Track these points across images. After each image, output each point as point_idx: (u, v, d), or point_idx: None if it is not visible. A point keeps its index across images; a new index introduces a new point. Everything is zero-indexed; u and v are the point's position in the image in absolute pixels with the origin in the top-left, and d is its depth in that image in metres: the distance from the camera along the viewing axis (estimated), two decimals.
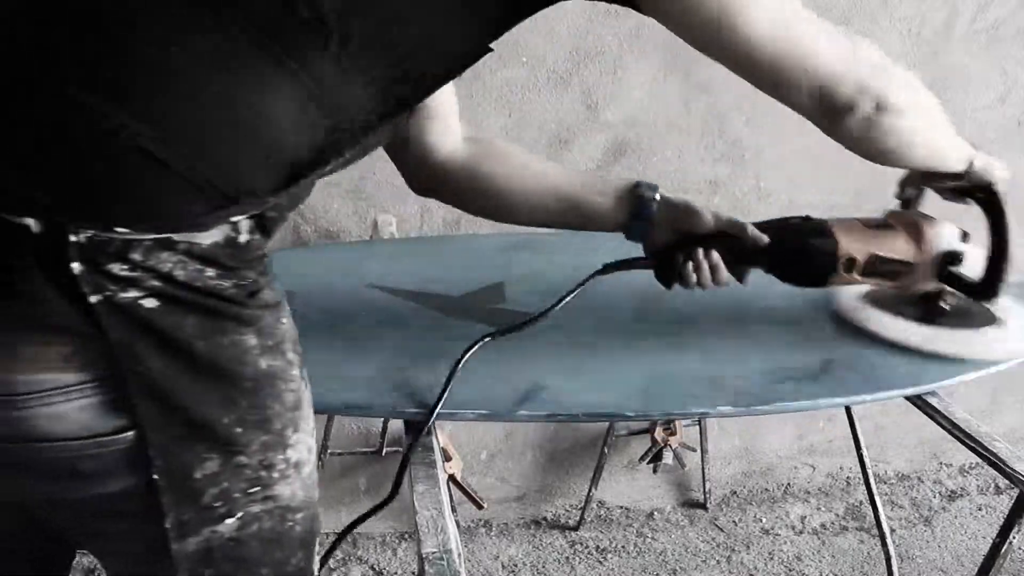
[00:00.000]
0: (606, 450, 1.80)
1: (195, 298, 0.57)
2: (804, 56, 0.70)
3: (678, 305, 1.08)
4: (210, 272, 0.58)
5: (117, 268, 0.55)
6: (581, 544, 1.85)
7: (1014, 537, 0.89)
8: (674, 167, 1.64)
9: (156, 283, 0.56)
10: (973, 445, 0.89)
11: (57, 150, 0.53)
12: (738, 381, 0.91)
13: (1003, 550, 0.90)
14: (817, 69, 0.70)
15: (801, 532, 1.92)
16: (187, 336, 0.57)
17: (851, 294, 1.06)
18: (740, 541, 1.88)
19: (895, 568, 1.56)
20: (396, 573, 1.74)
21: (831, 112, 0.73)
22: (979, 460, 0.88)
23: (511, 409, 0.84)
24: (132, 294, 0.55)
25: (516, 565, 1.78)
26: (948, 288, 0.98)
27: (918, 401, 0.95)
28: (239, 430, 0.61)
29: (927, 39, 1.64)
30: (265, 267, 0.63)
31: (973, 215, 0.95)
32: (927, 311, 1.00)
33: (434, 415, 0.82)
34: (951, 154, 0.87)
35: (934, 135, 0.83)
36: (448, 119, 0.90)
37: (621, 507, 1.96)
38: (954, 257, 0.95)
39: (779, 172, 1.68)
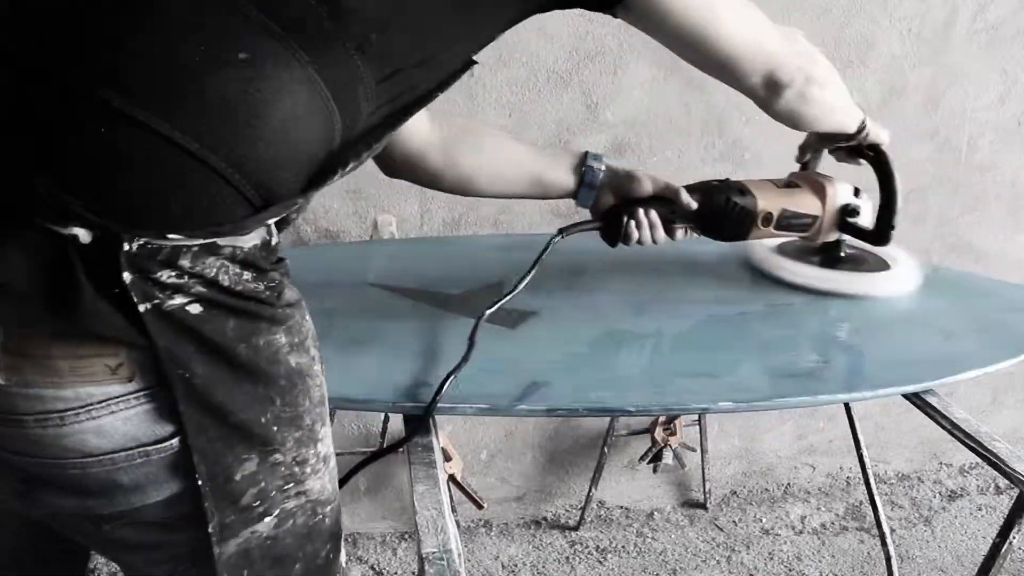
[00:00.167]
0: (606, 450, 1.80)
1: (236, 302, 0.58)
2: (759, 49, 0.82)
3: (680, 304, 1.09)
4: (247, 275, 0.59)
5: (166, 275, 0.55)
6: (581, 544, 1.85)
7: (1014, 537, 0.89)
8: (674, 167, 1.64)
9: (202, 289, 0.57)
10: (973, 445, 0.88)
11: (110, 161, 0.53)
12: (739, 378, 0.91)
13: (1003, 550, 0.90)
14: (768, 59, 0.83)
15: (801, 532, 1.92)
16: (229, 340, 0.58)
17: (763, 247, 1.21)
18: (740, 541, 1.88)
19: (895, 568, 1.56)
20: (396, 573, 1.74)
21: (775, 89, 0.86)
22: (979, 460, 0.88)
23: (511, 404, 0.84)
24: (179, 301, 0.56)
25: (516, 565, 1.78)
26: (846, 237, 1.13)
27: (918, 401, 0.95)
28: (275, 428, 0.62)
29: (927, 39, 1.64)
30: (286, 268, 0.64)
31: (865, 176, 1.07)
32: (828, 258, 1.15)
33: (434, 402, 0.82)
34: (851, 118, 0.99)
35: (841, 102, 0.95)
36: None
37: (621, 507, 1.96)
38: (852, 210, 1.09)
39: (779, 172, 1.68)
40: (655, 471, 1.90)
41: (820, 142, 1.11)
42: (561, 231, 1.05)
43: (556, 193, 1.03)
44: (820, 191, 1.09)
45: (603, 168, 1.02)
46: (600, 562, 1.80)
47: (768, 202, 1.06)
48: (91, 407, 0.57)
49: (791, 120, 0.91)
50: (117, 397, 0.57)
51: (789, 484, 2.05)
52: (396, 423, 1.66)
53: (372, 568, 1.74)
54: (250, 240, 0.59)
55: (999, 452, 0.86)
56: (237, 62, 0.54)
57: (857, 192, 1.11)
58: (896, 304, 1.12)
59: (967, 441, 0.89)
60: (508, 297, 1.00)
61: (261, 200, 0.58)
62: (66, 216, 0.53)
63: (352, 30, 0.58)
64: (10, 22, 0.55)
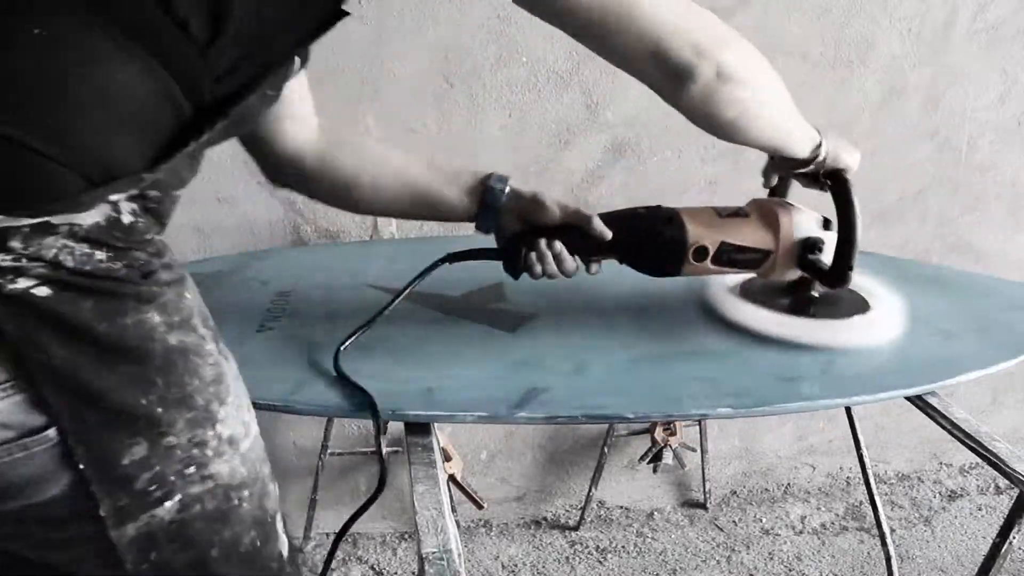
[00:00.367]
0: (606, 450, 1.80)
1: (88, 282, 0.56)
2: (638, 18, 0.69)
3: (679, 308, 1.09)
4: (100, 255, 0.57)
5: (0, 259, 0.53)
6: (581, 544, 1.85)
7: (1014, 537, 0.89)
8: (674, 167, 1.64)
9: (45, 271, 0.54)
10: (973, 445, 0.89)
11: None
12: (738, 382, 0.91)
13: (1003, 550, 0.90)
14: (652, 30, 0.69)
15: (801, 532, 1.92)
16: (87, 320, 0.56)
17: (721, 285, 1.07)
18: (740, 541, 1.88)
19: (895, 568, 1.56)
20: (396, 573, 1.74)
21: (671, 77, 0.72)
22: (979, 460, 0.88)
23: (510, 412, 0.84)
24: (22, 284, 0.54)
25: (516, 565, 1.78)
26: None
27: (918, 401, 0.95)
28: (160, 410, 0.60)
29: (927, 39, 1.64)
30: (158, 249, 0.61)
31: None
32: (797, 300, 1.01)
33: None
34: (795, 136, 0.86)
35: (777, 113, 0.82)
36: (300, 109, 0.90)
37: (621, 507, 1.96)
38: (813, 244, 0.95)
39: None
40: (655, 471, 1.90)
41: (773, 164, 0.99)
42: (450, 257, 0.97)
43: (448, 213, 0.95)
44: (773, 222, 0.95)
45: (506, 190, 0.93)
46: (600, 562, 1.80)
47: (702, 233, 0.93)
48: None
49: (704, 123, 0.78)
50: None
51: (789, 484, 2.05)
52: (396, 423, 1.66)
53: (372, 568, 1.74)
54: (90, 217, 0.56)
55: (999, 452, 0.86)
56: (32, 37, 0.53)
57: (827, 224, 0.97)
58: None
59: (967, 441, 0.89)
60: (365, 328, 0.95)
61: (91, 176, 0.56)
62: None
63: (176, 6, 0.56)
64: None
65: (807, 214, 0.97)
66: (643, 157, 1.62)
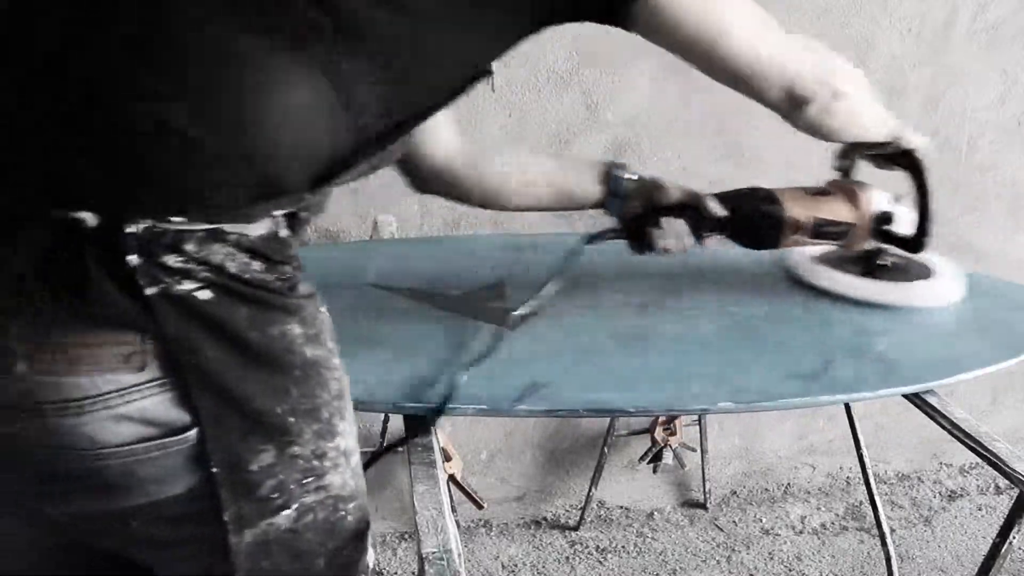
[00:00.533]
0: (606, 450, 1.80)
1: (245, 289, 0.59)
2: (775, 63, 0.82)
3: (681, 304, 1.09)
4: (256, 265, 0.59)
5: (172, 260, 0.56)
6: (581, 544, 1.85)
7: (1014, 537, 0.89)
8: (674, 167, 1.64)
9: (209, 275, 0.57)
10: (973, 445, 0.88)
11: (113, 141, 0.55)
12: (739, 378, 0.91)
13: (1003, 550, 0.90)
14: (786, 72, 0.83)
15: (801, 532, 1.92)
16: (241, 327, 0.59)
17: (802, 254, 1.18)
18: (740, 541, 1.88)
19: (895, 568, 1.56)
20: (396, 573, 1.74)
21: (796, 104, 0.86)
22: (979, 460, 0.88)
23: (511, 404, 0.84)
24: (187, 286, 0.56)
25: (516, 565, 1.78)
26: (885, 245, 1.10)
27: (918, 401, 0.95)
28: (292, 420, 0.62)
29: (927, 39, 1.64)
30: (300, 264, 0.64)
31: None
32: (869, 267, 1.12)
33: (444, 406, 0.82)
34: (879, 126, 0.97)
35: (869, 112, 0.94)
36: (445, 124, 0.99)
37: (621, 507, 1.96)
38: (887, 217, 1.06)
39: (779, 172, 1.68)
40: (655, 471, 1.90)
41: (853, 149, 1.09)
42: (589, 238, 1.06)
43: (583, 203, 1.05)
44: (853, 198, 1.07)
45: (630, 177, 1.03)
46: (600, 562, 1.80)
47: (798, 210, 1.04)
48: (107, 396, 0.57)
49: (815, 133, 0.91)
50: (131, 387, 0.58)
51: (789, 484, 2.05)
52: (396, 422, 1.66)
53: (372, 568, 1.74)
54: (256, 229, 0.59)
55: (999, 452, 0.86)
56: (237, 54, 0.56)
57: (896, 199, 1.08)
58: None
59: (967, 441, 0.89)
60: (535, 300, 1.02)
61: (265, 190, 0.59)
62: (73, 200, 0.54)
63: (356, 35, 0.60)
64: (12, 19, 0.56)
65: (880, 191, 1.08)
66: (643, 157, 1.62)
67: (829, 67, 0.87)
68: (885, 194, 1.08)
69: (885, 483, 2.09)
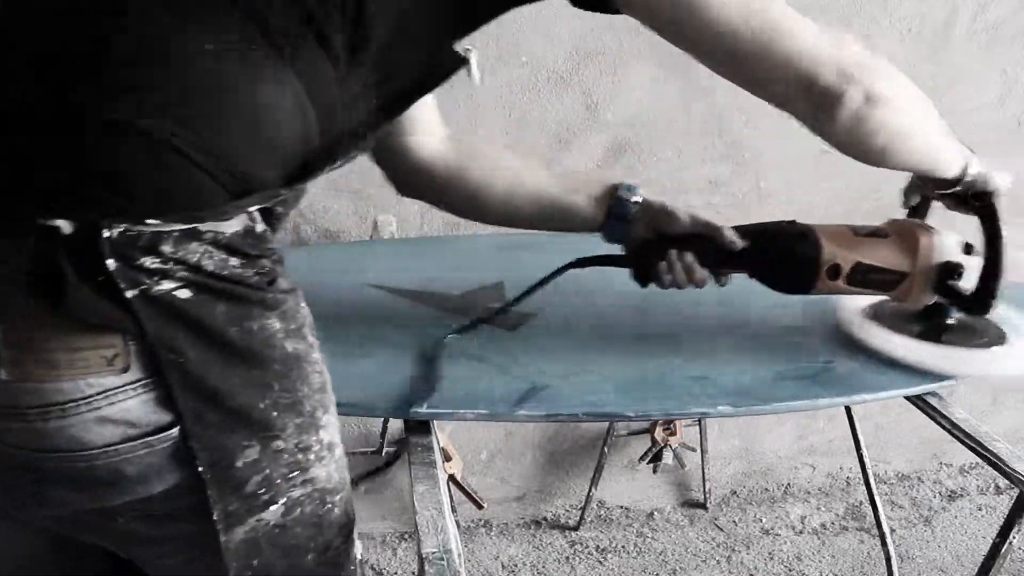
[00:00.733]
0: (606, 450, 1.80)
1: (224, 286, 0.59)
2: (782, 41, 0.67)
3: (680, 306, 1.09)
4: (234, 261, 0.60)
5: (149, 261, 0.56)
6: (581, 544, 1.85)
7: (1014, 537, 0.89)
8: (674, 167, 1.64)
9: (187, 274, 0.57)
10: (973, 445, 0.88)
11: (82, 147, 0.55)
12: (738, 381, 0.91)
13: (1003, 550, 0.90)
14: (798, 55, 0.68)
15: (801, 532, 1.92)
16: (220, 324, 0.59)
17: (853, 306, 1.03)
18: (740, 541, 1.88)
19: (895, 568, 1.56)
20: (396, 573, 1.74)
21: (819, 104, 0.70)
22: (979, 460, 0.87)
23: (511, 409, 0.84)
24: (166, 286, 0.57)
25: (516, 565, 1.78)
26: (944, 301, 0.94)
27: (918, 401, 0.95)
28: (274, 414, 0.62)
29: (927, 39, 1.64)
30: (278, 256, 0.64)
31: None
32: (930, 327, 0.96)
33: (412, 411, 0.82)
34: (944, 156, 0.83)
35: (926, 134, 0.80)
36: (428, 121, 0.92)
37: (621, 507, 1.96)
38: (953, 269, 0.91)
39: (779, 172, 1.68)
40: (655, 471, 1.90)
41: (923, 185, 0.94)
42: (580, 261, 0.96)
43: (577, 223, 0.93)
44: (912, 243, 0.91)
45: (636, 200, 0.92)
46: (600, 562, 1.80)
47: (837, 251, 0.89)
48: (91, 399, 0.57)
49: (852, 150, 0.75)
50: (115, 388, 0.58)
51: (789, 484, 2.05)
52: (396, 422, 1.66)
53: (372, 568, 1.74)
54: (232, 226, 0.60)
55: (999, 452, 0.86)
56: (203, 52, 0.56)
57: (969, 249, 0.92)
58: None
59: (967, 441, 0.89)
60: (498, 313, 0.97)
61: (237, 188, 0.59)
62: (48, 208, 0.54)
63: (324, 28, 0.59)
64: None
65: (949, 237, 0.93)
66: (643, 157, 1.62)
67: (862, 60, 0.70)
68: (957, 240, 0.93)
69: (885, 483, 2.08)
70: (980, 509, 2.02)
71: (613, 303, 1.10)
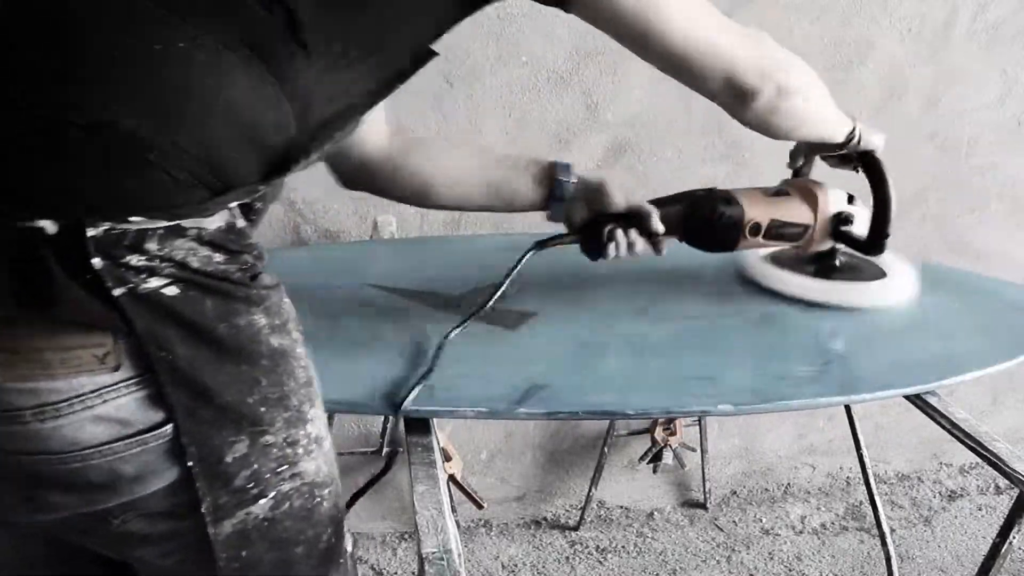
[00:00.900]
0: (606, 450, 1.80)
1: (209, 282, 0.59)
2: (713, 49, 0.78)
3: (680, 305, 1.09)
4: (218, 257, 0.60)
5: (135, 259, 0.56)
6: (581, 544, 1.85)
7: (1014, 537, 0.89)
8: (674, 167, 1.64)
9: (173, 271, 0.58)
10: (973, 445, 0.88)
11: (62, 147, 0.55)
12: (738, 380, 0.91)
13: (1003, 550, 0.90)
14: (724, 60, 0.79)
15: (801, 532, 1.92)
16: (208, 320, 0.59)
17: (755, 256, 1.17)
18: (740, 541, 1.88)
19: (895, 568, 1.56)
20: (396, 573, 1.74)
21: (739, 98, 0.82)
22: (979, 460, 0.88)
23: (511, 407, 0.84)
24: (153, 284, 0.57)
25: (516, 565, 1.78)
26: (840, 246, 1.09)
27: (918, 401, 0.95)
28: (263, 409, 0.63)
29: (927, 39, 1.64)
30: (259, 251, 0.65)
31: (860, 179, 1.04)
32: (823, 268, 1.11)
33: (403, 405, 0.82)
34: (836, 127, 0.95)
35: (823, 113, 0.92)
36: (373, 118, 0.93)
37: (621, 507, 1.96)
38: (845, 218, 1.05)
39: (779, 172, 1.68)
40: (655, 471, 1.90)
41: (809, 150, 1.08)
42: (538, 244, 1.02)
43: (521, 205, 1.00)
44: (811, 199, 1.05)
45: (573, 181, 0.98)
46: (600, 562, 1.80)
47: (756, 211, 1.02)
48: (84, 397, 0.58)
49: (762, 131, 0.88)
50: (108, 386, 0.58)
51: (789, 484, 2.05)
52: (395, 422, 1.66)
53: (372, 568, 1.74)
54: (214, 222, 0.60)
55: (999, 452, 0.86)
56: (176, 52, 0.56)
57: (851, 199, 1.07)
58: (895, 306, 1.11)
59: (967, 441, 0.89)
60: (474, 314, 0.98)
61: (218, 183, 0.59)
62: (31, 209, 0.54)
63: (293, 22, 0.59)
64: None
65: (837, 191, 1.07)
66: (643, 157, 1.62)
67: (776, 61, 0.83)
68: (843, 194, 1.07)
69: (885, 483, 2.08)
70: (980, 509, 2.02)
71: (613, 302, 1.10)
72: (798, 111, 0.86)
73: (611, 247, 0.98)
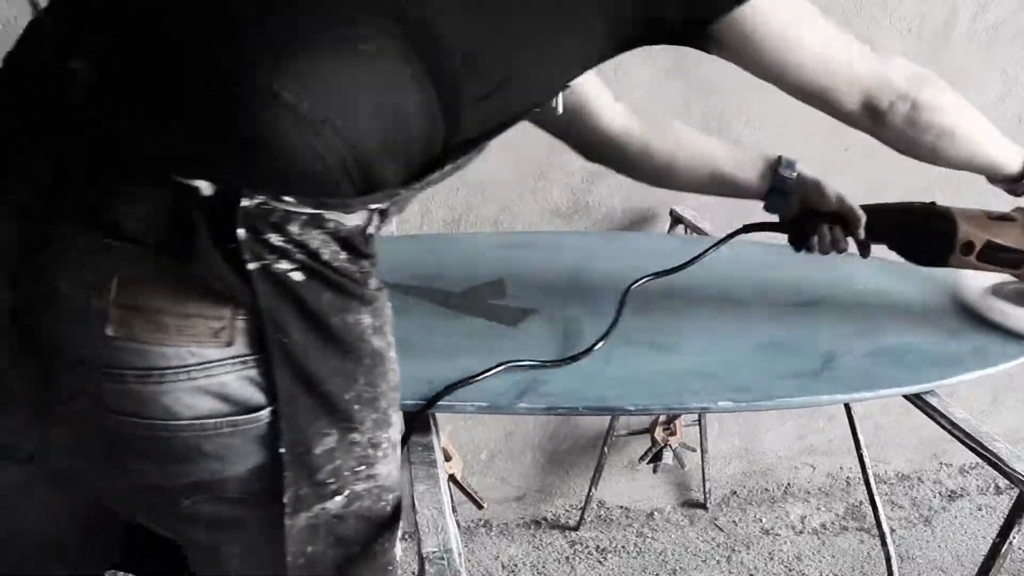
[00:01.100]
0: (606, 450, 1.80)
1: (333, 276, 0.61)
2: (848, 76, 0.82)
3: (681, 303, 1.09)
4: (344, 255, 0.61)
5: (275, 238, 0.57)
6: (581, 544, 1.85)
7: (1014, 537, 0.89)
8: None
9: (304, 257, 0.59)
10: (973, 445, 0.88)
11: (233, 113, 0.56)
12: (739, 377, 0.91)
13: (1003, 550, 0.90)
14: (859, 84, 0.82)
15: (801, 532, 1.92)
16: (325, 311, 0.60)
17: (976, 285, 1.14)
18: (740, 541, 1.88)
19: (895, 568, 1.56)
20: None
21: (875, 117, 0.84)
22: (979, 460, 0.88)
23: (511, 402, 0.84)
24: (284, 265, 0.58)
25: (516, 565, 1.78)
26: None
27: (918, 401, 0.95)
28: (356, 407, 0.64)
29: (927, 39, 1.64)
30: (376, 260, 0.66)
31: None
32: None
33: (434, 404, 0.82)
34: (996, 153, 0.96)
35: (973, 133, 0.92)
36: (607, 99, 1.04)
37: (621, 507, 1.96)
38: None
39: None
40: (655, 471, 1.90)
41: (996, 181, 1.05)
42: (747, 227, 1.09)
43: (744, 193, 1.06)
44: None
45: (794, 176, 1.04)
46: (600, 562, 1.80)
47: (971, 231, 1.02)
48: (190, 368, 0.58)
49: (906, 149, 0.89)
50: (216, 361, 0.59)
51: (789, 484, 2.05)
52: None
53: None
54: (353, 220, 0.61)
55: (999, 452, 0.86)
56: (360, 53, 0.58)
57: None
58: (896, 304, 1.11)
59: (967, 441, 0.89)
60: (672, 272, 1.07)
61: (365, 183, 0.61)
62: (192, 166, 0.55)
63: (468, 53, 0.62)
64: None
65: None
66: None
67: (910, 76, 0.85)
68: None
69: (885, 483, 2.08)
70: (980, 509, 2.02)
71: (613, 300, 1.10)
72: (939, 126, 0.87)
73: (814, 240, 1.03)
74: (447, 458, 1.68)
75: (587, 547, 1.84)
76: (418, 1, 0.61)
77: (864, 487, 1.53)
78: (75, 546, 0.79)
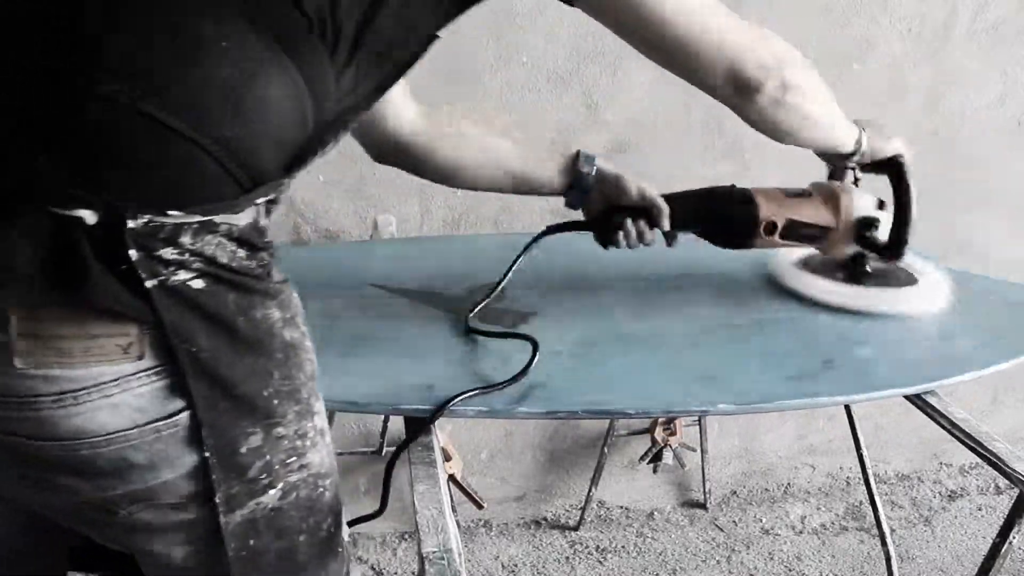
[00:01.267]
0: (606, 450, 1.80)
1: (233, 277, 0.61)
2: (713, 39, 0.77)
3: (681, 305, 1.09)
4: (241, 253, 0.62)
5: (169, 252, 0.58)
6: (581, 544, 1.85)
7: (1014, 537, 0.89)
8: (674, 167, 1.63)
9: (202, 265, 0.59)
10: (973, 445, 0.88)
11: (112, 145, 0.56)
12: (739, 379, 0.91)
13: (1003, 550, 0.90)
14: (727, 53, 0.78)
15: (801, 532, 1.92)
16: (230, 313, 0.61)
17: (785, 260, 1.16)
18: (740, 541, 1.88)
19: (895, 568, 1.56)
20: (396, 573, 1.74)
21: (741, 91, 0.81)
22: (979, 460, 0.88)
23: (510, 407, 0.84)
24: (182, 276, 0.58)
25: (516, 565, 1.78)
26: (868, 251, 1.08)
27: (918, 401, 0.95)
28: (276, 402, 0.65)
29: (927, 39, 1.64)
30: (274, 249, 0.66)
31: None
32: (853, 273, 1.10)
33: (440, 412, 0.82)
34: (842, 135, 0.95)
35: (830, 117, 0.91)
36: (402, 97, 0.98)
37: (621, 507, 1.96)
38: (870, 223, 1.04)
39: (779, 172, 1.67)
40: (655, 471, 1.90)
41: (829, 159, 1.07)
42: (549, 229, 1.06)
43: (544, 192, 1.04)
44: (833, 202, 1.05)
45: (593, 172, 1.02)
46: (600, 562, 1.80)
47: (772, 211, 1.03)
48: (103, 386, 0.59)
49: (767, 130, 0.86)
50: (129, 375, 0.59)
51: (789, 484, 2.05)
52: (396, 422, 1.66)
53: (372, 568, 1.74)
54: (243, 219, 0.62)
55: (999, 452, 0.86)
56: (219, 50, 0.57)
57: (882, 205, 1.06)
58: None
59: (967, 441, 0.89)
60: (492, 295, 1.03)
61: (249, 180, 0.61)
62: (71, 199, 0.55)
63: (316, 17, 0.61)
64: (7, 21, 0.57)
65: (864, 196, 1.06)
66: (643, 157, 1.62)
67: (780, 55, 0.81)
68: (871, 199, 1.06)
69: (885, 483, 2.08)
70: (980, 509, 2.02)
71: (613, 301, 1.10)
72: (804, 111, 0.85)
73: (619, 236, 1.01)
74: (447, 458, 1.68)
75: (587, 547, 1.84)
76: None
77: (864, 487, 1.53)
78: (27, 552, 0.80)
